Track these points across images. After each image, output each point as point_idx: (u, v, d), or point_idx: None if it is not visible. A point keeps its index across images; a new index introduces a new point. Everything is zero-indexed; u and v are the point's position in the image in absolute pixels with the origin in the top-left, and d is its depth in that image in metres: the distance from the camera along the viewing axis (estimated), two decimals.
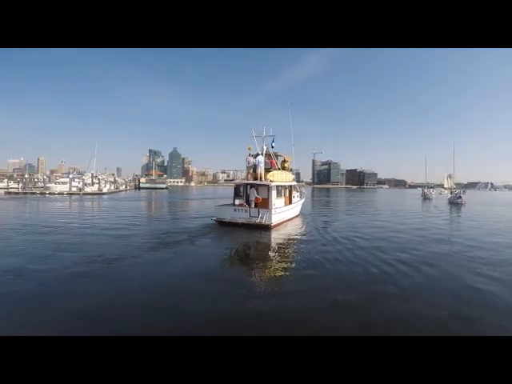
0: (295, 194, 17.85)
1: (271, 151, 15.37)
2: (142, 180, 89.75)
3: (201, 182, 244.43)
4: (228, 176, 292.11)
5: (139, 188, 78.81)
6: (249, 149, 14.45)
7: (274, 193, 13.82)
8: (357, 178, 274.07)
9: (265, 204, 13.35)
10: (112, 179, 68.28)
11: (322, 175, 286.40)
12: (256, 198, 13.51)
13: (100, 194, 44.95)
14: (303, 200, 19.95)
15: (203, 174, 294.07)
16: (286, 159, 16.95)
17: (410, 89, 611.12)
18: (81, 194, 42.45)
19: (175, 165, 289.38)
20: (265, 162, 14.58)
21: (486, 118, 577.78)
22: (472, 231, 14.07)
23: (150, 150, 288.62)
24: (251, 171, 14.38)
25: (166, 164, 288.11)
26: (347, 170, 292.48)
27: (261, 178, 13.74)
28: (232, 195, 15.42)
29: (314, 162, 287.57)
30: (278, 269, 7.13)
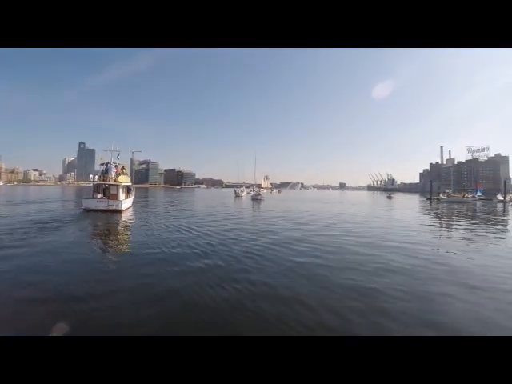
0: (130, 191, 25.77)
1: (117, 161, 22.86)
2: None
3: (11, 181, 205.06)
4: (41, 174, 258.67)
5: None
6: (101, 159, 21.23)
7: (120, 190, 21.16)
8: (176, 178, 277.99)
9: (115, 197, 20.57)
10: None
11: (141, 174, 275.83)
12: (101, 196, 20.37)
13: None
14: (133, 196, 27.85)
15: (13, 172, 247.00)
16: (125, 167, 24.53)
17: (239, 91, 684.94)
18: None
19: None
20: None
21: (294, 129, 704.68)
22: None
23: None
24: (103, 175, 21.20)
25: None
26: (166, 170, 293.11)
27: (112, 179, 20.82)
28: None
29: (132, 160, 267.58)
30: (129, 232, 15.22)
